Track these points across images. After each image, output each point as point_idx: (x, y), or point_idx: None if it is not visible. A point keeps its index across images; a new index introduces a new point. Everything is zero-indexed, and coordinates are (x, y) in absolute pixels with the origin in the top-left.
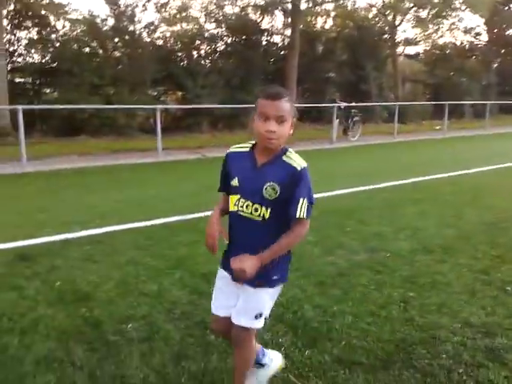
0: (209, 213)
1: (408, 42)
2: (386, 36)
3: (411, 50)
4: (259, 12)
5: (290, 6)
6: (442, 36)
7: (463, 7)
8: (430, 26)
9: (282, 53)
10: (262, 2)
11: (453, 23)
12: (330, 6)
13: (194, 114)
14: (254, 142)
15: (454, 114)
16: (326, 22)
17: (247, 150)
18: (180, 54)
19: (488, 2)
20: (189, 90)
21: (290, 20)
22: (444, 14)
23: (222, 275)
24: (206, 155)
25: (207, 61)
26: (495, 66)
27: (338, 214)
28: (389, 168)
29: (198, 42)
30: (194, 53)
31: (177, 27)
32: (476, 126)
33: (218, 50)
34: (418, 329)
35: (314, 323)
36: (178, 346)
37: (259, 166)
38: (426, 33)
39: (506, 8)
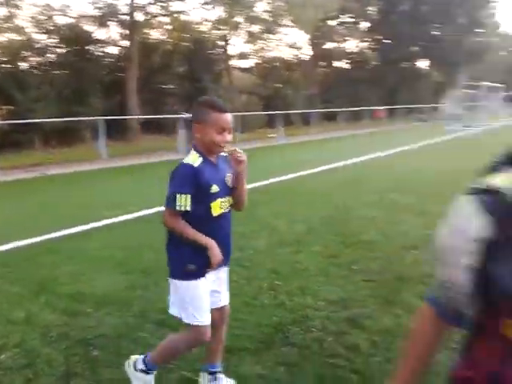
0: (71, 230)
1: (241, 56)
2: (220, 49)
3: (244, 63)
4: (94, 23)
5: (126, 17)
6: (271, 50)
7: (290, 24)
8: (261, 41)
9: (120, 64)
10: (98, 13)
11: (280, 39)
12: (165, 19)
13: (24, 130)
14: (194, 152)
15: (285, 122)
16: (162, 34)
17: (202, 158)
18: (6, 66)
19: (312, 19)
20: (19, 104)
21: (128, 32)
22: (273, 29)
23: (205, 280)
24: (46, 173)
25: (39, 72)
26: (316, 77)
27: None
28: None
29: (27, 52)
30: (23, 64)
31: (2, 37)
32: (305, 133)
33: (49, 60)
34: (289, 311)
35: None
36: (64, 366)
37: (216, 164)
38: (257, 47)
39: (327, 24)
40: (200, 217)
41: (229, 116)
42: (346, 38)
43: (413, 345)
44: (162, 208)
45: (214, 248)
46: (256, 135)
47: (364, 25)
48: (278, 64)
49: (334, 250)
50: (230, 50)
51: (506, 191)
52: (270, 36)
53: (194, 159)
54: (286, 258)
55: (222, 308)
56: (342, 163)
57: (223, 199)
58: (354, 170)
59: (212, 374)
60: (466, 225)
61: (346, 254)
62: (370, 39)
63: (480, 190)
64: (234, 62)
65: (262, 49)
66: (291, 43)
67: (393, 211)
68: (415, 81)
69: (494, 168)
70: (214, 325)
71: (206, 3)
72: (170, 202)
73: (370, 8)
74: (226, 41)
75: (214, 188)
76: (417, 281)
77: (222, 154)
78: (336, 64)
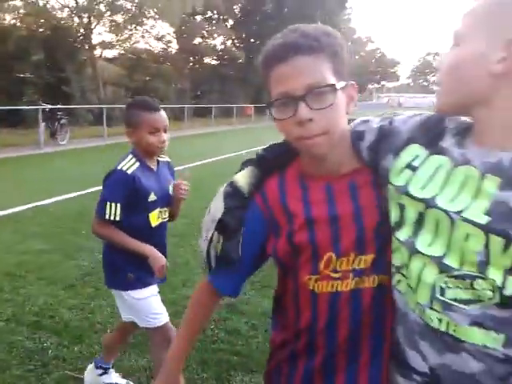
0: None
1: (105, 46)
2: (82, 38)
3: (109, 53)
4: None
5: None
6: (137, 42)
7: (156, 16)
8: (126, 31)
9: None
10: None
11: (146, 30)
12: (19, 3)
13: None
14: (130, 156)
15: None
16: (15, 18)
17: (138, 164)
18: None
19: (177, 12)
20: None
21: None
22: (139, 20)
23: (151, 289)
24: None
25: None
26: (186, 72)
27: (69, 218)
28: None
29: None
30: None
31: None
32: (175, 128)
33: None
34: (171, 304)
35: (74, 322)
36: None
37: (156, 171)
38: (122, 37)
39: (193, 19)
40: (138, 228)
41: (162, 114)
42: (214, 35)
43: (190, 314)
44: (19, 208)
45: (156, 254)
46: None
47: (229, 22)
48: (145, 56)
49: None
50: (95, 40)
51: (238, 185)
52: (135, 26)
53: (128, 165)
54: (169, 252)
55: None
56: (220, 157)
57: (162, 209)
58: (229, 163)
59: (105, 369)
60: (213, 208)
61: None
62: (234, 37)
63: (229, 183)
64: (98, 52)
65: (128, 39)
66: (159, 36)
67: None
68: None
69: (242, 166)
70: (130, 329)
71: None
72: (99, 210)
73: (234, 6)
74: (90, 29)
75: (152, 197)
76: None
77: (164, 159)
78: (206, 60)
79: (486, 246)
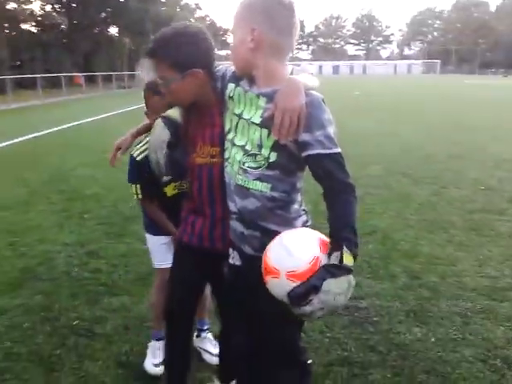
0: None
1: None
2: None
3: None
4: None
5: None
6: None
7: None
8: None
9: None
10: None
11: None
12: None
13: None
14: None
15: None
16: None
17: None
18: None
19: None
20: None
21: None
22: None
23: (162, 239)
24: None
25: None
26: (3, 40)
27: None
28: None
29: None
30: None
31: None
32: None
33: None
34: (31, 258)
35: None
36: None
37: None
38: None
39: None
40: (157, 197)
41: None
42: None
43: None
44: None
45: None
46: None
47: None
48: None
49: (62, 206)
50: None
51: (171, 116)
52: None
53: (139, 151)
54: (16, 219)
55: None
56: (55, 129)
57: (177, 183)
58: (71, 134)
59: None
60: (158, 133)
61: (75, 207)
62: (53, 1)
63: (164, 115)
64: None
65: None
66: None
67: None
68: (109, 48)
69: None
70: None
71: None
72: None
73: None
74: None
75: (164, 178)
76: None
77: None
78: (24, 26)
79: (260, 135)
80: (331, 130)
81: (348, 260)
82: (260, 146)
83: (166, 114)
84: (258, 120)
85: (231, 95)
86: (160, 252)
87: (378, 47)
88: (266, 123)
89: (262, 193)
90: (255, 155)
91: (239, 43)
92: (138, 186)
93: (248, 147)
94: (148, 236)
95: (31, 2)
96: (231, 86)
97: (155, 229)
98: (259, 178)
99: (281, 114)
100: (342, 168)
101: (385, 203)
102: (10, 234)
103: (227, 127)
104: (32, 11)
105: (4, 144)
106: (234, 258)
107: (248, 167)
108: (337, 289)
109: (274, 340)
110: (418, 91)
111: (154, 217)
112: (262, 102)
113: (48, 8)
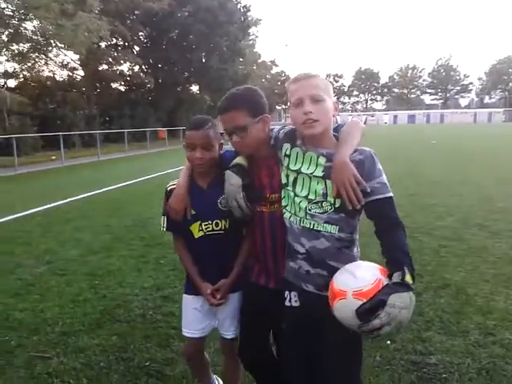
0: None
1: (8, 75)
2: None
3: (11, 83)
4: None
5: None
6: (42, 70)
7: (60, 45)
8: (31, 60)
9: None
10: None
11: (50, 58)
12: None
13: None
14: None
15: (65, 144)
16: None
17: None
18: None
19: (85, 41)
20: None
21: None
22: (43, 49)
23: (194, 301)
24: None
25: None
26: (94, 98)
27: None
28: (30, 195)
29: None
30: None
31: None
32: (88, 155)
33: None
34: (111, 300)
35: (28, 320)
36: None
37: (205, 189)
38: (25, 66)
39: (97, 46)
40: (184, 237)
41: (199, 132)
42: (120, 61)
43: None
44: None
45: (199, 284)
46: (36, 159)
47: (136, 49)
48: (49, 83)
49: (141, 252)
50: None
51: (239, 163)
52: (40, 55)
53: (173, 184)
54: (99, 263)
55: (221, 337)
56: (140, 179)
57: (205, 222)
58: (154, 183)
59: None
60: (232, 182)
61: (152, 253)
62: (141, 63)
63: (233, 164)
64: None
65: (32, 68)
66: (64, 63)
67: None
68: (191, 104)
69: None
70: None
71: None
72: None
73: (140, 33)
74: None
75: (191, 212)
76: None
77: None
78: (114, 85)
79: (325, 185)
80: (384, 177)
81: (408, 278)
82: (325, 195)
83: (232, 163)
84: (320, 174)
85: (287, 153)
86: (187, 316)
87: (456, 96)
88: (328, 176)
89: (331, 234)
90: (321, 202)
91: (330, 110)
92: (164, 218)
93: (311, 196)
94: (183, 295)
95: (121, 64)
96: (287, 145)
97: (189, 287)
98: (327, 222)
99: (343, 190)
100: (394, 209)
101: (460, 256)
102: (94, 277)
103: (284, 180)
104: (121, 71)
105: (95, 192)
106: (292, 300)
107: (315, 212)
108: (401, 303)
109: (339, 375)
110: (498, 140)
111: (179, 253)
112: (322, 160)
113: (136, 69)
